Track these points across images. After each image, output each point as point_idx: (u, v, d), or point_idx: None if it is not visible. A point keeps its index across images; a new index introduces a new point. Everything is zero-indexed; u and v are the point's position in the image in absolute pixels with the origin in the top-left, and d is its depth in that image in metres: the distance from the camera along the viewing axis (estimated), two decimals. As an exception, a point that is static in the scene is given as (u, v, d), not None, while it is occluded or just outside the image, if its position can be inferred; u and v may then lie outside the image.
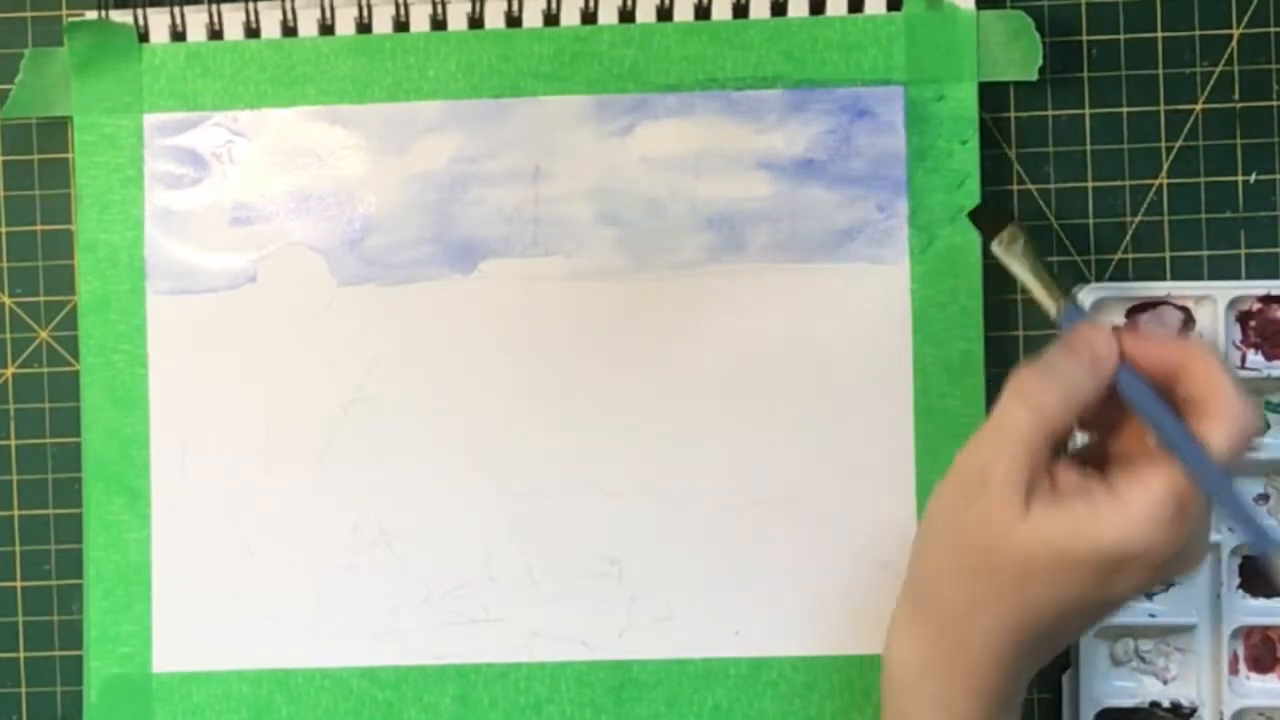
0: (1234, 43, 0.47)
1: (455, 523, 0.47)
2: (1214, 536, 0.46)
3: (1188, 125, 0.47)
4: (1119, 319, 0.47)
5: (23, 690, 0.48)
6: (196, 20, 0.47)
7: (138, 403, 0.47)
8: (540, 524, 0.47)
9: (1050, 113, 0.47)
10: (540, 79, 0.47)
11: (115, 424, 0.47)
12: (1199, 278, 0.47)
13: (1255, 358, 0.47)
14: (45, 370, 0.48)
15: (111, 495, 0.47)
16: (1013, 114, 0.47)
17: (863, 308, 0.46)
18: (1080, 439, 0.41)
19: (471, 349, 0.47)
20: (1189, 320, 0.46)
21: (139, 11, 0.47)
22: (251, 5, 0.47)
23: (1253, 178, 0.47)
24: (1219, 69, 0.47)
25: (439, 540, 0.47)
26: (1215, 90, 0.47)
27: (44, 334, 0.48)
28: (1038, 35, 0.46)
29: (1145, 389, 0.38)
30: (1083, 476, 0.37)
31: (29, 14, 0.48)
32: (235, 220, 0.47)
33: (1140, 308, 0.47)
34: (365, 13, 0.47)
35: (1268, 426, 0.47)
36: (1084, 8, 0.47)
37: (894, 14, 0.46)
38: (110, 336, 0.47)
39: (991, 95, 0.47)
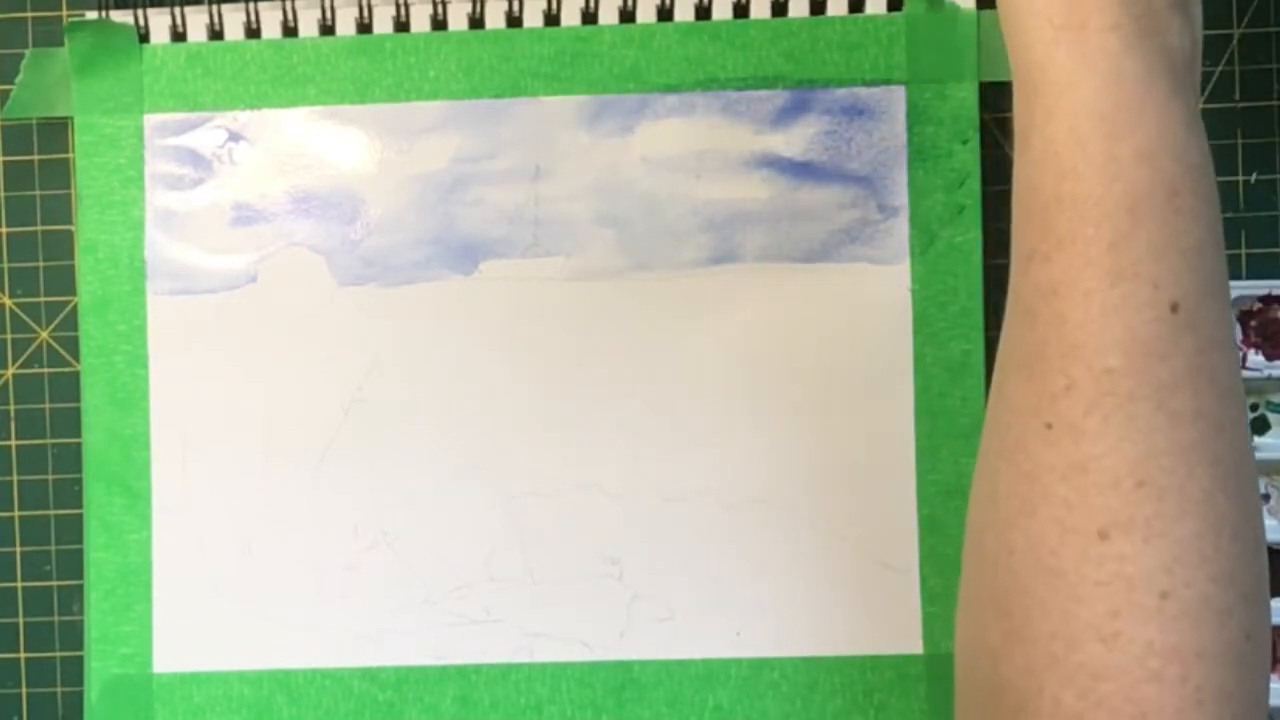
0: (1234, 43, 0.47)
1: (456, 523, 0.47)
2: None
3: (1188, 125, 0.47)
4: (1119, 319, 0.47)
5: (23, 691, 0.48)
6: (197, 20, 0.47)
7: (138, 403, 0.47)
8: (540, 524, 0.47)
9: (1050, 113, 0.47)
10: (541, 79, 0.47)
11: (116, 424, 0.47)
12: (1199, 278, 0.47)
13: (1255, 358, 0.47)
14: (46, 371, 0.48)
15: (112, 496, 0.47)
16: (1013, 114, 0.47)
17: (863, 308, 0.46)
18: None
19: (472, 350, 0.47)
20: (1189, 320, 0.46)
21: (139, 12, 0.47)
22: (252, 6, 0.47)
23: (1253, 178, 0.47)
24: (1219, 69, 0.47)
25: (439, 541, 0.47)
26: (1216, 90, 0.47)
27: (44, 334, 0.48)
28: (1038, 35, 0.46)
29: None
30: None
31: (29, 14, 0.48)
32: (236, 221, 0.47)
33: (1141, 308, 0.47)
34: (366, 13, 0.47)
35: (1268, 426, 0.47)
36: (1084, 8, 0.47)
37: (895, 14, 0.46)
38: (111, 337, 0.47)
39: (992, 95, 0.47)
